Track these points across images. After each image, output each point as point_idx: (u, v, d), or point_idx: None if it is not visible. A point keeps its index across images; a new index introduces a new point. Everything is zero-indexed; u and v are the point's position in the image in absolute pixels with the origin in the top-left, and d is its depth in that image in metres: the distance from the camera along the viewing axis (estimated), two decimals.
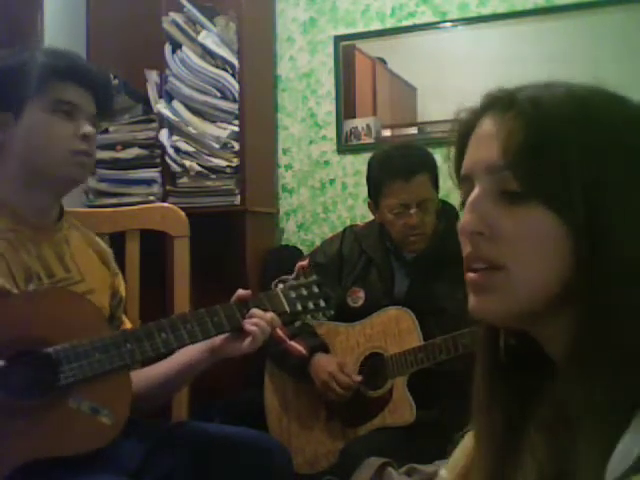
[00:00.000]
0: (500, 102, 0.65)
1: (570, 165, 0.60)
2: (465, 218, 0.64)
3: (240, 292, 1.35)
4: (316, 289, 1.40)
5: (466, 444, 0.79)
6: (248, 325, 1.30)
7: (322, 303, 1.40)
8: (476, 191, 0.64)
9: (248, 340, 1.30)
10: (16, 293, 1.21)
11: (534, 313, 0.63)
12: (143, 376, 1.38)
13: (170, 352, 1.34)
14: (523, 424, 0.68)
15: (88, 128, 1.31)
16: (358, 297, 1.98)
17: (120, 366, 1.21)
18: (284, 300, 1.36)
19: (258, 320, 1.30)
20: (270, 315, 1.32)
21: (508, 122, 0.63)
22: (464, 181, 0.67)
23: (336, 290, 1.95)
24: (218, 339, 1.34)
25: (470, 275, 0.65)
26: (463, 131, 0.68)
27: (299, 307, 1.37)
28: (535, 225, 0.61)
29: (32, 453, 1.12)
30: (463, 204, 0.66)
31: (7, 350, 1.15)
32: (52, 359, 1.16)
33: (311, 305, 1.39)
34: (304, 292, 1.39)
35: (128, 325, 1.46)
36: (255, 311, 1.32)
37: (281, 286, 1.40)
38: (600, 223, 0.59)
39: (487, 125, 0.65)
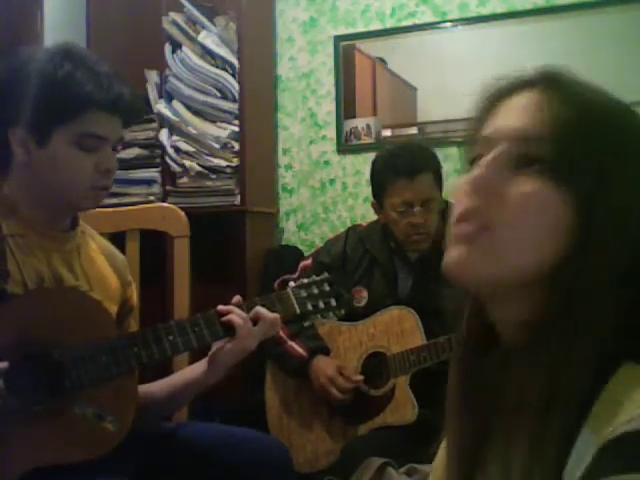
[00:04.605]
0: (543, 81, 0.66)
1: (607, 155, 0.61)
2: (478, 171, 0.63)
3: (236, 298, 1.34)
4: (327, 287, 1.38)
5: (442, 453, 0.78)
6: (234, 317, 1.28)
7: (333, 302, 1.38)
8: (497, 151, 0.64)
9: (234, 340, 1.29)
10: (23, 293, 1.20)
11: (508, 283, 0.62)
12: (148, 391, 1.38)
13: (175, 355, 1.33)
14: (492, 430, 0.67)
15: (111, 163, 1.27)
16: (361, 297, 1.98)
17: (126, 369, 1.20)
18: (294, 301, 1.35)
19: (236, 317, 1.28)
20: (273, 316, 1.31)
21: (556, 99, 0.63)
22: (482, 142, 0.67)
23: (345, 289, 1.95)
24: (213, 347, 1.33)
25: (456, 226, 0.64)
26: (492, 98, 0.68)
27: (309, 307, 1.36)
28: (543, 196, 0.61)
29: (36, 460, 1.11)
30: (472, 162, 0.66)
31: (14, 352, 1.13)
32: (58, 362, 1.15)
33: (321, 304, 1.37)
34: (315, 291, 1.37)
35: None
36: (258, 309, 1.30)
37: (292, 284, 1.38)
38: (609, 213, 0.59)
39: (524, 98, 0.65)
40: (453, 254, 0.64)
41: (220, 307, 1.30)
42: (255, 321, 1.30)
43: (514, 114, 0.65)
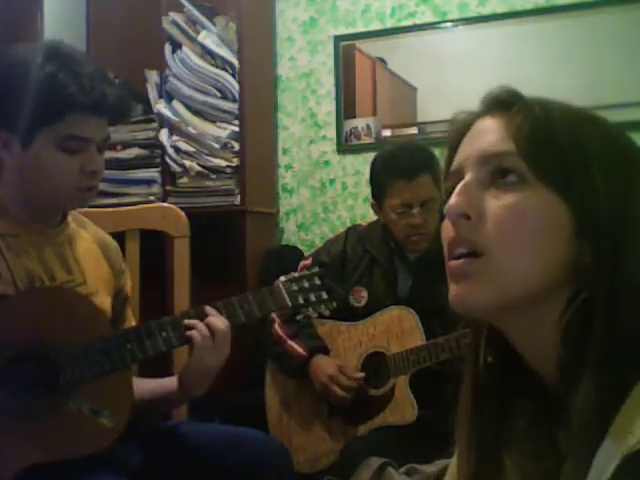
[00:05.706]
0: (501, 102, 0.66)
1: (587, 154, 0.61)
2: (452, 200, 0.63)
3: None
4: (318, 281, 1.39)
5: (452, 470, 0.78)
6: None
7: (324, 295, 1.38)
8: (467, 177, 0.64)
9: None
10: (15, 293, 1.20)
11: (516, 304, 0.61)
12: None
13: (170, 349, 1.34)
14: (504, 439, 0.67)
15: (96, 164, 1.25)
16: (361, 297, 1.98)
17: (121, 366, 1.21)
18: (285, 294, 1.35)
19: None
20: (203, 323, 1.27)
21: (514, 115, 0.63)
22: (453, 176, 0.67)
23: (344, 289, 1.95)
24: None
25: (451, 263, 0.64)
26: (458, 133, 0.68)
27: (300, 300, 1.36)
28: (534, 209, 0.60)
29: (33, 457, 1.12)
30: (446, 201, 0.66)
31: (8, 352, 1.14)
32: (53, 360, 1.16)
33: (313, 297, 1.37)
34: (306, 284, 1.37)
35: (133, 323, 1.45)
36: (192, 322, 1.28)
37: (283, 278, 1.38)
38: (620, 215, 0.59)
39: (484, 123, 0.66)
40: (453, 292, 0.64)
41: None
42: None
43: (475, 140, 0.65)
